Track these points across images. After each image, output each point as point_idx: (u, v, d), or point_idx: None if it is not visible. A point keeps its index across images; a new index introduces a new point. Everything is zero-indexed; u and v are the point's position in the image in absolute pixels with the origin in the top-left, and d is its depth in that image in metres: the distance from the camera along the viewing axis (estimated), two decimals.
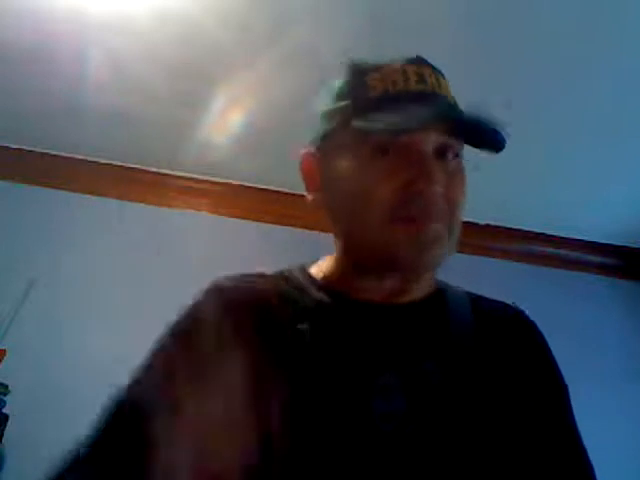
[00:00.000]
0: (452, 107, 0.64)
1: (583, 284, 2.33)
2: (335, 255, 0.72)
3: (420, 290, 0.67)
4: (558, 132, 1.83)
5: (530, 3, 1.50)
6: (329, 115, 0.68)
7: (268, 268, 0.74)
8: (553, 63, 1.64)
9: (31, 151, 2.45)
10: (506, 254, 2.30)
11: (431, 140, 0.61)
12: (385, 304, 0.65)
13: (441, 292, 0.70)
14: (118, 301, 2.16)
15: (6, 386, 1.87)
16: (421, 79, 0.64)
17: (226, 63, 1.83)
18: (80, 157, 2.43)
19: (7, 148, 2.45)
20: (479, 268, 2.08)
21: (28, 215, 2.34)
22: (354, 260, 0.68)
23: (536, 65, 1.66)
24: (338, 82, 0.70)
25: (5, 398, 1.85)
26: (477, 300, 0.71)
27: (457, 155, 0.64)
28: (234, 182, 2.44)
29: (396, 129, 0.58)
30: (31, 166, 2.45)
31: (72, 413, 1.93)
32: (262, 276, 0.72)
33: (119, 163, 2.43)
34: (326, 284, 0.68)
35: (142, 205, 2.40)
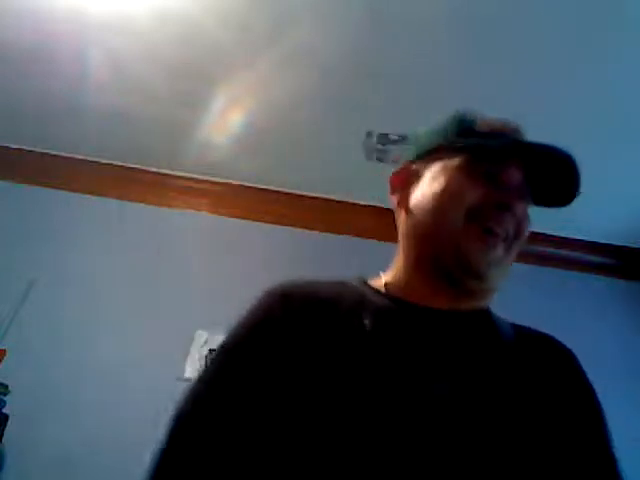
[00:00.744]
0: (543, 145, 0.72)
1: (583, 284, 2.33)
2: (397, 265, 0.77)
3: (476, 303, 0.73)
4: (557, 132, 1.83)
5: (530, 2, 1.50)
6: (433, 140, 0.78)
7: (324, 276, 0.77)
8: (552, 63, 1.64)
9: (31, 151, 2.45)
10: None
11: (518, 179, 0.71)
12: (443, 310, 0.70)
13: (489, 310, 0.75)
14: (118, 301, 2.16)
15: (6, 386, 1.87)
16: (518, 133, 0.74)
17: (226, 63, 1.83)
18: (80, 157, 2.43)
19: (7, 148, 2.46)
20: None
21: (28, 215, 2.34)
22: (424, 261, 0.73)
23: (535, 64, 1.66)
24: (439, 122, 0.79)
25: (5, 398, 1.85)
26: (515, 324, 0.76)
27: (527, 202, 0.74)
28: (234, 182, 2.44)
29: (505, 149, 0.71)
30: (31, 166, 2.45)
31: (72, 413, 1.94)
32: (320, 281, 0.76)
33: (119, 163, 2.43)
34: (386, 292, 0.74)
35: (142, 205, 2.40)
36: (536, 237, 2.38)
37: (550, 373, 0.69)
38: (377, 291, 0.74)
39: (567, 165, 0.71)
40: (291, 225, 2.37)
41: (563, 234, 2.36)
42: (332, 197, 2.40)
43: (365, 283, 0.77)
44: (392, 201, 0.81)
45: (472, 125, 0.74)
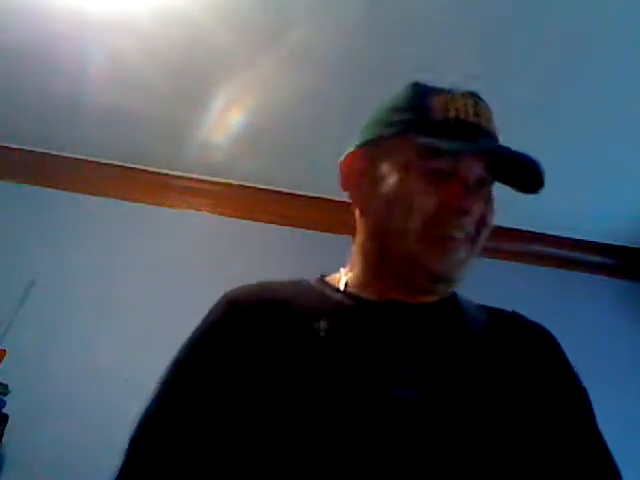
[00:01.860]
0: (501, 146, 0.68)
1: (583, 284, 2.32)
2: (356, 264, 0.74)
3: (437, 294, 0.70)
4: (557, 132, 1.83)
5: (531, 4, 1.50)
6: (386, 123, 0.72)
7: (283, 277, 0.76)
8: (551, 61, 1.64)
9: (31, 151, 2.45)
10: (506, 254, 2.30)
11: (475, 170, 0.67)
12: (403, 302, 0.68)
13: (455, 296, 0.73)
14: (118, 301, 2.16)
15: (6, 386, 1.87)
16: (477, 114, 0.68)
17: (226, 63, 1.83)
18: (80, 157, 2.43)
19: (7, 148, 2.45)
20: (479, 268, 2.08)
21: (28, 215, 2.34)
22: (384, 266, 0.70)
23: (534, 64, 1.66)
24: (397, 96, 0.74)
25: (5, 398, 1.85)
26: (487, 307, 0.74)
27: (490, 185, 0.70)
28: (234, 182, 2.44)
29: (456, 152, 0.65)
30: (31, 166, 2.45)
31: (72, 413, 1.94)
32: (277, 282, 0.74)
33: (119, 163, 2.43)
34: (345, 289, 0.71)
35: (142, 205, 2.40)
36: (537, 237, 2.38)
37: (526, 356, 0.67)
38: (336, 289, 0.71)
39: (529, 166, 0.66)
40: (291, 225, 2.37)
41: (563, 234, 2.36)
42: (332, 197, 2.40)
43: (323, 281, 0.74)
44: (345, 194, 0.76)
45: (427, 108, 0.68)
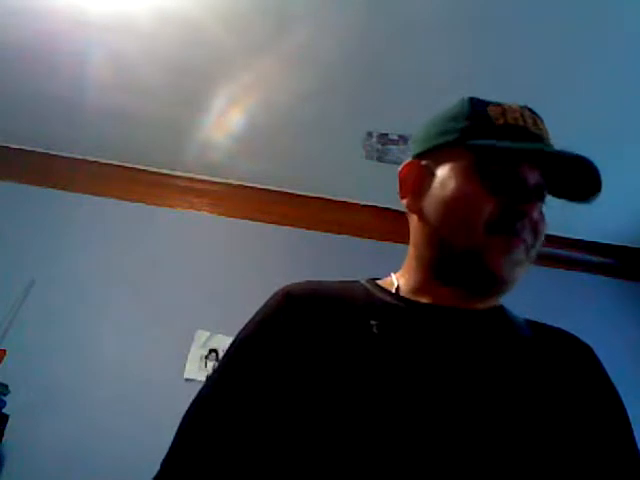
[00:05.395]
0: (561, 151, 0.67)
1: (582, 284, 2.33)
2: (410, 269, 0.75)
3: (487, 302, 0.71)
4: (556, 132, 1.83)
5: (531, 5, 1.50)
6: (443, 132, 0.73)
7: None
8: (551, 62, 1.65)
9: (31, 151, 2.45)
10: None
11: (533, 177, 0.68)
12: (455, 307, 0.69)
13: (502, 307, 0.74)
14: (118, 301, 2.16)
15: (6, 386, 1.87)
16: (535, 124, 0.70)
17: (226, 63, 1.83)
18: (80, 157, 2.43)
19: (7, 148, 2.46)
20: None
21: (28, 215, 2.34)
22: (441, 269, 0.70)
23: (534, 64, 1.66)
24: (452, 107, 0.75)
25: (5, 398, 1.85)
26: (530, 320, 0.75)
27: (544, 197, 0.71)
28: (234, 182, 2.44)
29: (520, 151, 0.66)
30: (31, 166, 2.45)
31: (72, 413, 1.94)
32: (329, 281, 0.76)
33: (119, 163, 2.43)
34: (396, 292, 0.72)
35: (142, 205, 2.40)
36: None
37: (569, 368, 0.68)
38: (387, 291, 0.72)
39: (587, 169, 0.66)
40: (291, 225, 2.37)
41: (563, 234, 2.36)
42: (332, 197, 2.40)
43: (375, 284, 0.75)
44: (402, 203, 0.76)
45: (485, 116, 0.69)
